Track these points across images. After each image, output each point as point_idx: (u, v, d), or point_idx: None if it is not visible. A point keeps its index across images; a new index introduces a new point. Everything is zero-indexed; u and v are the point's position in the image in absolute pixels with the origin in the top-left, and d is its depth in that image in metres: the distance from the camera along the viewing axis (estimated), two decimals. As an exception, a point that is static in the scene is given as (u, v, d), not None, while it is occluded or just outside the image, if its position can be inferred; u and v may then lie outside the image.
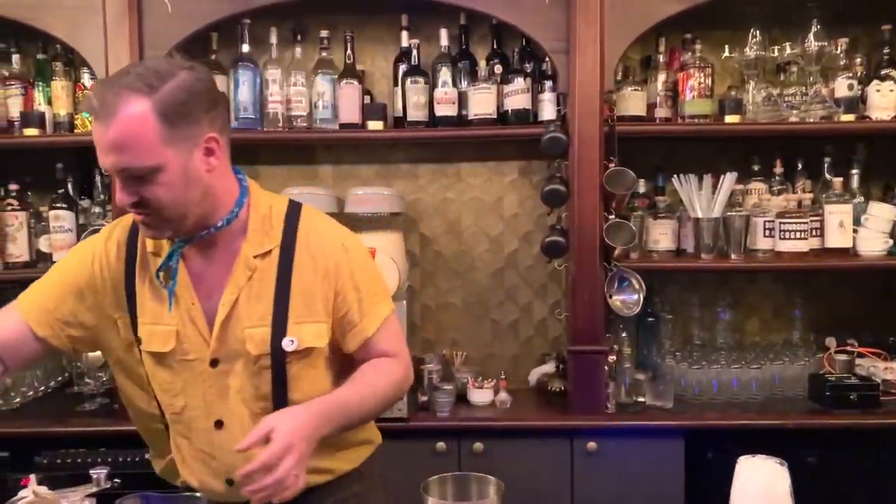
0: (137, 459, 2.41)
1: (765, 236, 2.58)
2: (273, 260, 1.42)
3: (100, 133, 1.25)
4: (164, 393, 1.43)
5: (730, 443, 2.29)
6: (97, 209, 2.65)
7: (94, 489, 1.24)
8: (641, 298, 2.50)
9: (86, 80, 2.62)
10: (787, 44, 2.60)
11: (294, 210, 1.48)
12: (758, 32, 2.57)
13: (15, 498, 1.07)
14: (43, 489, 1.16)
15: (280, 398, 1.42)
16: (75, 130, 2.63)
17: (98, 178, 2.67)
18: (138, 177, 1.26)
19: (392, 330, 1.53)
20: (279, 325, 1.41)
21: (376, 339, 1.49)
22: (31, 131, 2.59)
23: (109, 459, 2.39)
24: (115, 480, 2.24)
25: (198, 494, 1.44)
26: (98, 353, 1.55)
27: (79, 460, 2.37)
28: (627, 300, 2.51)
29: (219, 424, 1.42)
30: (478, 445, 2.45)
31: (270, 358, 1.41)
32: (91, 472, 1.26)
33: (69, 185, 2.68)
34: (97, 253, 1.44)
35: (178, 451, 1.47)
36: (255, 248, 1.42)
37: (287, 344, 1.40)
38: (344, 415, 1.40)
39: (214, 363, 1.40)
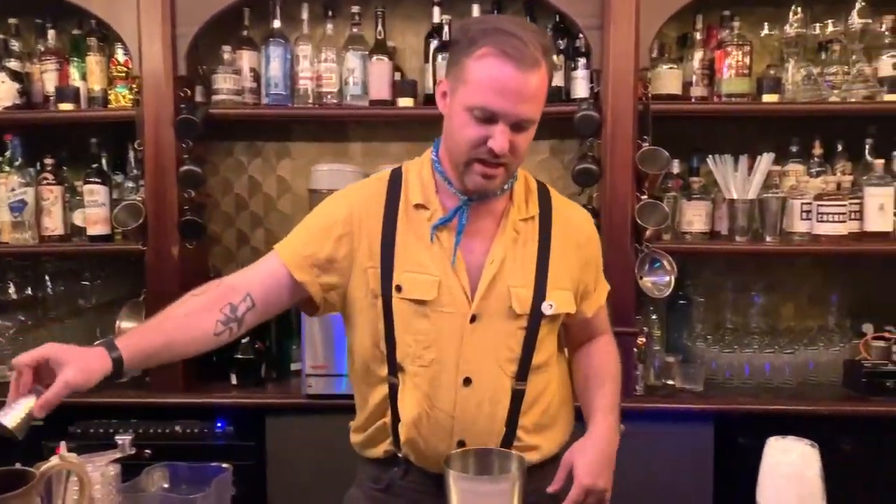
0: (168, 431, 2.46)
1: (802, 219, 2.51)
2: (534, 226, 1.49)
3: (521, 80, 1.30)
4: (416, 343, 1.43)
5: (761, 428, 2.23)
6: (130, 184, 2.67)
7: (119, 455, 1.25)
8: (673, 280, 2.46)
9: (119, 55, 2.64)
10: (830, 21, 2.52)
11: (542, 185, 1.58)
12: (799, 9, 2.50)
13: (42, 462, 1.09)
14: (71, 455, 1.18)
15: (526, 361, 1.46)
16: (109, 106, 2.65)
17: (131, 154, 2.69)
18: (521, 127, 1.34)
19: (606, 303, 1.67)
20: (540, 288, 1.46)
21: (602, 309, 1.64)
22: (66, 106, 2.61)
23: (141, 430, 2.44)
24: (146, 451, 2.32)
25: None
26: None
27: (111, 430, 2.41)
28: (658, 282, 2.47)
29: (467, 382, 1.43)
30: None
31: (528, 319, 1.45)
32: (116, 438, 1.28)
33: (103, 160, 2.71)
34: (355, 203, 1.47)
35: (406, 412, 1.45)
36: (521, 213, 1.49)
37: (546, 307, 1.45)
38: (617, 418, 1.55)
39: (473, 319, 1.42)
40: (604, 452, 1.46)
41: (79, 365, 1.21)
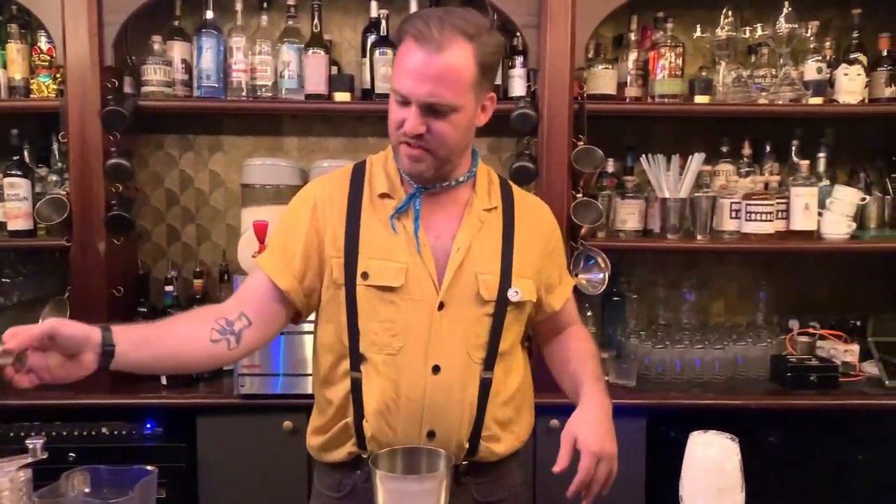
0: (94, 433, 2.38)
1: (731, 218, 2.58)
2: (497, 216, 1.52)
3: (422, 61, 1.32)
4: (383, 331, 1.42)
5: (692, 422, 2.28)
6: (54, 177, 2.57)
7: (30, 459, 1.20)
8: (607, 278, 2.50)
9: (42, 43, 2.53)
10: (759, 25, 2.58)
11: (504, 179, 1.61)
12: (730, 13, 2.56)
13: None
14: (-20, 460, 1.12)
15: (493, 347, 1.47)
16: (31, 96, 2.55)
17: (55, 146, 2.59)
18: (437, 111, 1.35)
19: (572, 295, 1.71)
20: (506, 276, 1.47)
21: (569, 301, 1.67)
22: (-15, 95, 2.51)
23: (65, 433, 2.36)
24: (70, 455, 2.24)
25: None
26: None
27: (33, 433, 2.31)
28: (593, 279, 2.51)
29: (436, 370, 1.43)
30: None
31: (495, 305, 1.46)
32: (27, 441, 1.22)
33: (25, 152, 2.60)
34: (318, 195, 1.49)
35: (370, 403, 1.43)
36: (484, 203, 1.51)
37: (512, 294, 1.46)
38: (605, 387, 1.54)
39: (441, 306, 1.43)
40: (602, 419, 1.46)
41: (67, 322, 1.21)
